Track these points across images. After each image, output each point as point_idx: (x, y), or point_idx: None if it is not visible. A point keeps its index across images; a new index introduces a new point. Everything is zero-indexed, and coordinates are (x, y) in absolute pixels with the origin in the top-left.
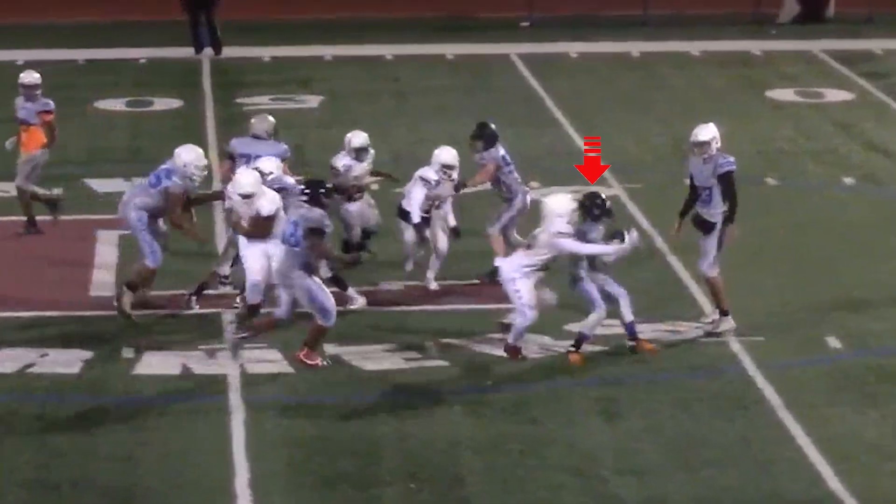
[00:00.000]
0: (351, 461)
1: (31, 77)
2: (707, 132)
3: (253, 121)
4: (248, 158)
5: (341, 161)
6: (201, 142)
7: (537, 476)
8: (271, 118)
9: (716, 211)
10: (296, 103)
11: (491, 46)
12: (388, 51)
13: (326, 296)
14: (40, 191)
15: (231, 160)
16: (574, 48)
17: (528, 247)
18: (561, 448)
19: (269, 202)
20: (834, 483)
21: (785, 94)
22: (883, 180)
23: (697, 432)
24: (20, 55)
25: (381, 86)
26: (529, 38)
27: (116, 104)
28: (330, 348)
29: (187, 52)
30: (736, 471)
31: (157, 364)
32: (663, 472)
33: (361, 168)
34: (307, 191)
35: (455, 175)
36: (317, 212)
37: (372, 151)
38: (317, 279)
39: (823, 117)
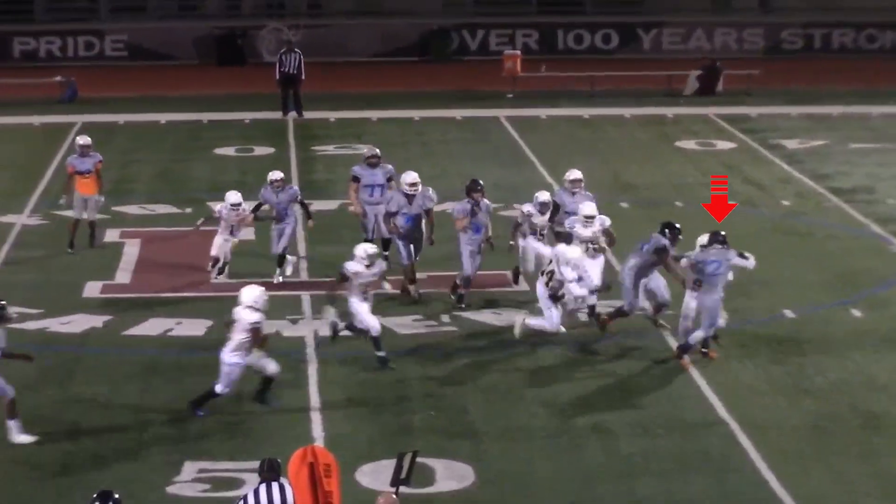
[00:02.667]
0: (390, 395)
1: (85, 140)
2: (574, 174)
3: (365, 151)
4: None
5: (527, 207)
6: (287, 175)
7: (519, 407)
8: (377, 150)
9: None
10: (352, 150)
11: (486, 111)
12: (416, 114)
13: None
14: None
15: (356, 181)
16: (544, 112)
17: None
18: (536, 389)
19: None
20: (722, 412)
21: (689, 145)
22: (757, 204)
23: (631, 379)
24: (162, 117)
25: (411, 138)
26: (513, 105)
27: (229, 150)
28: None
29: (277, 114)
30: (656, 402)
31: None
32: (606, 403)
33: (541, 220)
34: (665, 229)
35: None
36: (664, 241)
37: (551, 208)
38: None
39: (715, 160)
